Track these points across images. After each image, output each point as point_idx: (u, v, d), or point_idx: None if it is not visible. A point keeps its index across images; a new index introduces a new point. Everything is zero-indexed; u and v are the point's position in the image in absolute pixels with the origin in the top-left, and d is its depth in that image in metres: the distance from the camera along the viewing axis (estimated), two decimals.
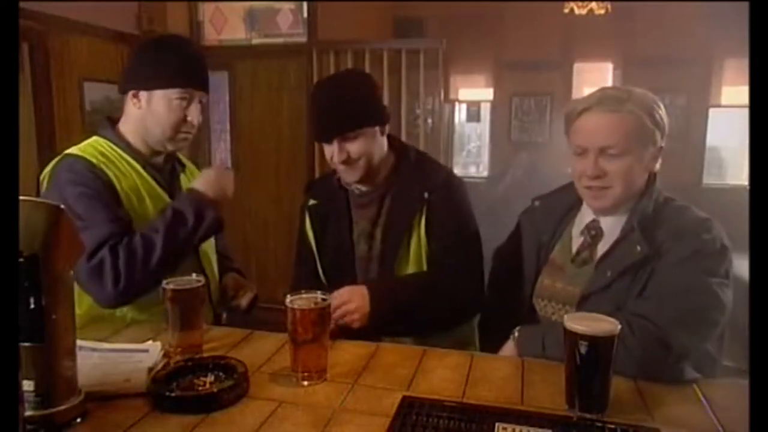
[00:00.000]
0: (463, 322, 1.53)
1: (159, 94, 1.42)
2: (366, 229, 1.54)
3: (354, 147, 1.43)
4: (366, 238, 1.53)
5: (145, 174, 1.46)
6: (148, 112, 1.44)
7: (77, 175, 1.35)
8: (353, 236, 1.55)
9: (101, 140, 1.47)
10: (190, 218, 1.36)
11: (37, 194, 1.43)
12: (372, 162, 1.47)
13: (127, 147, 1.46)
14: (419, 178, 1.50)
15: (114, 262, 1.28)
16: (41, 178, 1.42)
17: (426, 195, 1.47)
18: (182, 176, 1.59)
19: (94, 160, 1.38)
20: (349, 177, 1.49)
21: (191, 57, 1.47)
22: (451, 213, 1.48)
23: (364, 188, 1.54)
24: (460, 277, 1.45)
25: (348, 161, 1.44)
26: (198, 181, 1.45)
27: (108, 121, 1.51)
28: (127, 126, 1.48)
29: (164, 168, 1.54)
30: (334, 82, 1.55)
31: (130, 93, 1.45)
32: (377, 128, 1.47)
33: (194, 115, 1.46)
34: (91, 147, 1.44)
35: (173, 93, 1.42)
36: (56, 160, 1.41)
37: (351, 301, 1.35)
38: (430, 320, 1.43)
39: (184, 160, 1.67)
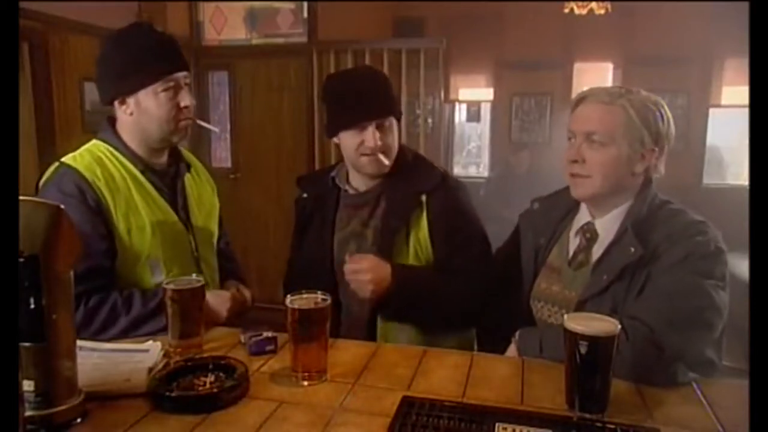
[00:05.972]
0: (472, 324, 1.54)
1: (145, 93, 1.36)
2: (356, 230, 1.53)
3: (387, 134, 1.46)
4: (356, 239, 1.52)
5: (143, 180, 1.40)
6: (140, 115, 1.38)
7: (64, 196, 1.27)
8: (335, 236, 1.54)
9: (100, 144, 1.42)
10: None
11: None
12: (395, 152, 1.50)
13: (126, 150, 1.41)
14: (414, 180, 1.50)
15: None
16: (40, 184, 1.37)
17: (423, 198, 1.47)
18: (188, 177, 1.53)
19: (87, 175, 1.33)
20: (376, 167, 1.47)
21: (159, 41, 1.40)
22: (451, 214, 1.48)
23: (362, 188, 1.55)
24: (469, 279, 1.45)
25: (384, 148, 1.45)
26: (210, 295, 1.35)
27: (108, 122, 1.45)
28: (123, 131, 1.42)
29: (167, 171, 1.49)
30: (360, 71, 1.60)
31: (116, 102, 1.39)
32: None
33: (186, 99, 1.40)
34: (88, 154, 1.39)
35: (158, 86, 1.36)
36: (52, 169, 1.36)
37: (369, 270, 1.35)
38: (441, 317, 1.44)
39: (192, 158, 1.60)
